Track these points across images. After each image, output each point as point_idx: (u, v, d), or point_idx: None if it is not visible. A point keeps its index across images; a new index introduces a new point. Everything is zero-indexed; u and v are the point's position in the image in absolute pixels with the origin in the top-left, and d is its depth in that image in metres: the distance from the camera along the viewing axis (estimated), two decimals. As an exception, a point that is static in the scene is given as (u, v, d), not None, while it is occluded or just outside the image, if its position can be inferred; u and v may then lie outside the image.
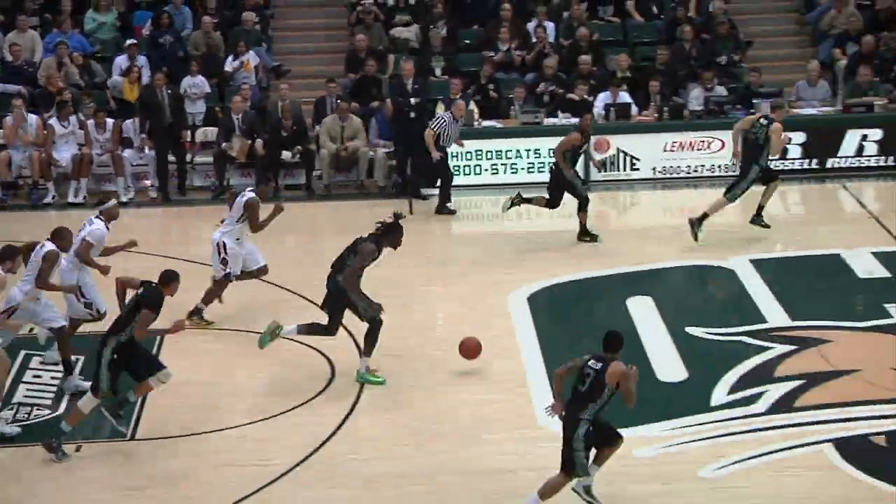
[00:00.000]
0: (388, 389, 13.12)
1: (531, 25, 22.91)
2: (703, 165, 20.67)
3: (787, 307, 15.02)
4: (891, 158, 20.73)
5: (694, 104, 21.22)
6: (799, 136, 20.56)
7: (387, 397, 12.95)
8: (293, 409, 12.70)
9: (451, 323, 15.01)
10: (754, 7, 24.78)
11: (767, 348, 13.90)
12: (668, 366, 13.57)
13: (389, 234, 13.11)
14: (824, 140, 20.65)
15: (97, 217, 13.73)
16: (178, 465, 11.74)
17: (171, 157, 20.59)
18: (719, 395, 12.81)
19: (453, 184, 19.60)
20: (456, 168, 20.37)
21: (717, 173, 20.62)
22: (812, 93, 21.55)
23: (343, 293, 13.02)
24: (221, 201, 20.22)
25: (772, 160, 17.90)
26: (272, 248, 17.14)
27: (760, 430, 12.08)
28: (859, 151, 20.75)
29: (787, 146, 19.72)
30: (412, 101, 19.96)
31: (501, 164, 20.54)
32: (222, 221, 14.96)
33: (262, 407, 12.66)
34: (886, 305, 14.94)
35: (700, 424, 12.18)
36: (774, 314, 14.86)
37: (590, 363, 10.55)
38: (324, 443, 12.05)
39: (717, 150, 20.66)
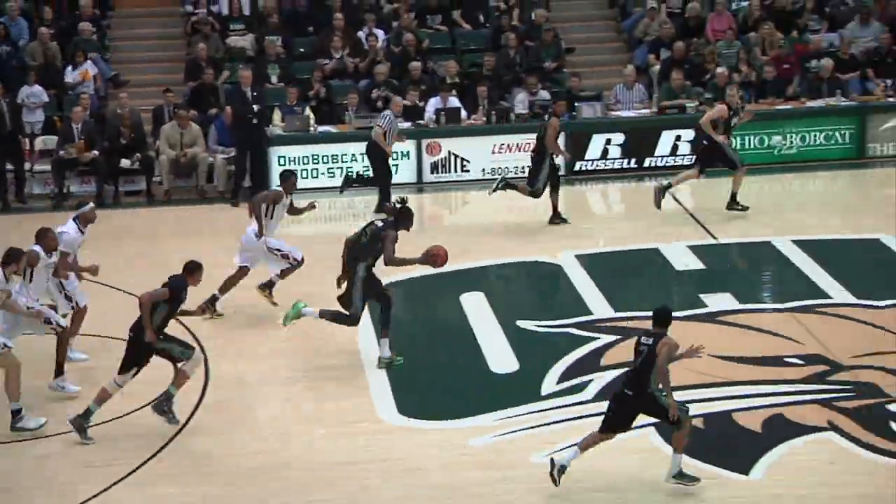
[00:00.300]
0: (231, 386, 13.30)
1: (362, 33, 23.41)
2: (529, 166, 21.39)
3: (610, 299, 15.52)
4: (703, 157, 21.84)
5: (519, 108, 21.85)
6: (618, 137, 21.38)
7: (231, 393, 13.06)
8: (138, 409, 12.67)
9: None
10: (574, 15, 25.46)
11: (593, 339, 14.32)
12: (501, 358, 13.94)
13: (403, 220, 13.58)
14: (642, 140, 21.41)
15: (73, 220, 13.92)
16: (23, 468, 11.74)
17: (9, 166, 20.67)
18: (549, 384, 13.16)
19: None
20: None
21: (543, 174, 21.50)
22: (629, 96, 22.29)
23: (353, 279, 13.47)
24: (63, 208, 20.41)
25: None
26: (113, 252, 17.32)
27: (589, 416, 12.25)
28: (674, 151, 21.59)
29: (608, 147, 20.70)
30: (255, 108, 20.33)
31: (337, 168, 21.00)
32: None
33: (108, 408, 12.52)
34: (702, 296, 15.52)
35: (532, 413, 12.48)
36: (599, 306, 15.33)
37: (643, 339, 10.86)
38: (169, 441, 12.15)
39: (543, 151, 21.54)
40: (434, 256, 13.66)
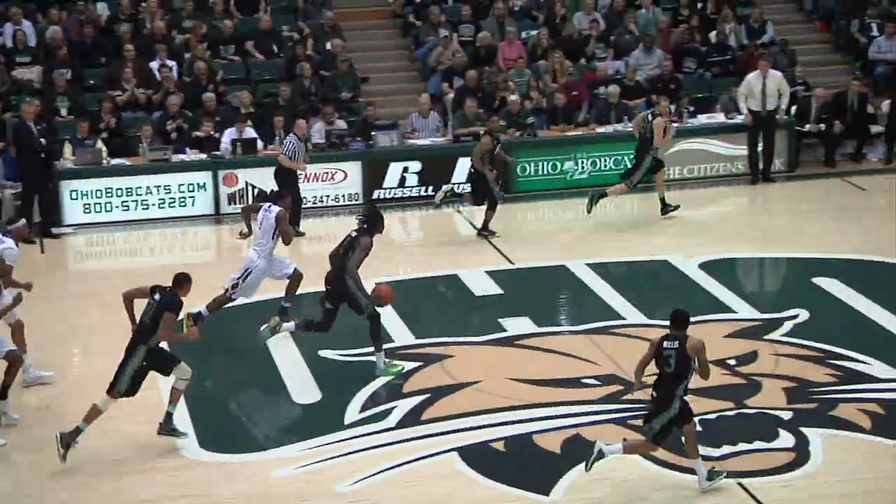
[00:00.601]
0: (31, 426, 13.07)
1: (154, 64, 23.20)
2: (327, 195, 21.39)
3: (411, 326, 15.66)
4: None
5: (316, 137, 21.81)
6: (415, 165, 21.54)
7: (30, 432, 12.80)
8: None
9: (102, 353, 14.92)
10: (368, 45, 25.60)
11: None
12: (303, 388, 14.00)
13: (375, 225, 14.02)
14: (438, 168, 21.49)
15: (5, 234, 13.65)
16: None
17: None
18: (352, 413, 13.28)
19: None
20: (87, 207, 20.62)
21: (341, 202, 21.43)
22: (424, 124, 22.47)
23: (347, 289, 13.88)
24: None
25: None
26: None
27: (392, 443, 12.56)
28: (469, 178, 21.97)
29: (406, 175, 20.86)
30: (42, 141, 19.91)
31: (132, 201, 20.78)
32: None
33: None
34: (500, 320, 15.80)
35: (335, 442, 12.61)
36: (400, 333, 15.46)
37: (665, 345, 10.95)
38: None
39: (341, 180, 21.45)
40: (382, 298, 14.27)
